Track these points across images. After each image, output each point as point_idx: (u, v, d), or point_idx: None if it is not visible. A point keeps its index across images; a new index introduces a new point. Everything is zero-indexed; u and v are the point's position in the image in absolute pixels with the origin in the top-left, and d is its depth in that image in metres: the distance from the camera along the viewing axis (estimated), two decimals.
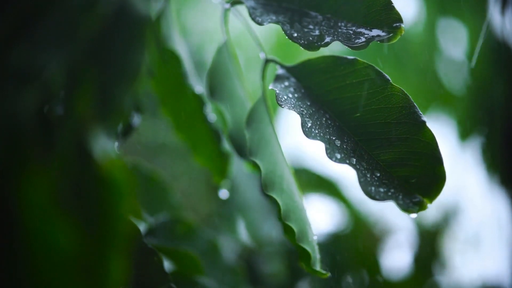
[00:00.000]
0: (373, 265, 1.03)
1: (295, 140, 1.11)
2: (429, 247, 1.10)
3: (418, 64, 1.20)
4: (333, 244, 1.00)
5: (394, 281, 1.05)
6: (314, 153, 1.07)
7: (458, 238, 1.15)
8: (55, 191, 0.28)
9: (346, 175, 1.05)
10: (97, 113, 0.32)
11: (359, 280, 1.02)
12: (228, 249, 0.72)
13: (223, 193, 0.67)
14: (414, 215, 0.44)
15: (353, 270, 1.01)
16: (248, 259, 0.92)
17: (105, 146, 0.31)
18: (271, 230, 0.91)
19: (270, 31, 1.17)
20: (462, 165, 1.20)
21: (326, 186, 1.01)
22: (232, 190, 0.92)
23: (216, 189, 0.98)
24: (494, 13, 1.14)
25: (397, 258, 1.08)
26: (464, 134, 1.20)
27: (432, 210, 1.15)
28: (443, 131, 1.21)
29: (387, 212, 1.14)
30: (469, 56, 1.20)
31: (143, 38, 0.34)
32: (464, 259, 1.15)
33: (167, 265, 0.60)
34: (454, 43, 1.21)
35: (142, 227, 0.63)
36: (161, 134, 1.04)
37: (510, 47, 1.13)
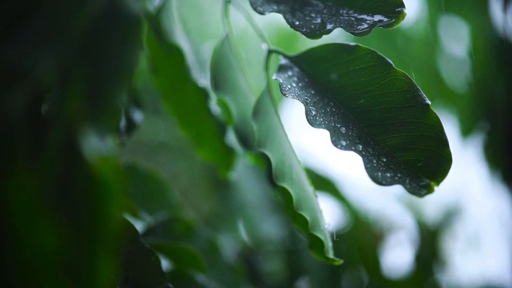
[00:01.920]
0: (374, 264, 1.03)
1: (296, 139, 1.11)
2: (430, 245, 1.09)
3: (420, 62, 1.20)
4: (333, 243, 0.99)
5: (394, 280, 1.04)
6: (314, 152, 1.07)
7: (459, 236, 1.14)
8: (43, 192, 0.27)
9: (345, 174, 1.05)
10: (88, 112, 0.31)
11: (359, 278, 1.02)
12: (227, 248, 0.72)
13: (232, 176, 0.66)
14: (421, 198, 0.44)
15: (354, 269, 1.00)
16: (248, 258, 0.91)
17: (96, 145, 0.31)
18: (271, 229, 0.91)
19: (270, 30, 1.17)
20: (464, 162, 1.19)
21: (326, 185, 1.01)
22: (232, 188, 0.92)
23: (216, 186, 0.98)
24: (495, 10, 1.14)
25: (398, 256, 1.08)
26: (466, 131, 1.19)
27: (433, 208, 1.15)
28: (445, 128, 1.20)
29: (388, 211, 1.14)
30: (471, 53, 1.19)
31: (135, 37, 0.33)
32: (465, 257, 1.15)
33: (166, 263, 0.60)
34: (456, 40, 1.21)
35: (140, 226, 0.62)
36: (161, 132, 1.04)
37: (511, 44, 1.12)
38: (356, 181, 1.07)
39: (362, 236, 1.02)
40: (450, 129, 1.20)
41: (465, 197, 1.16)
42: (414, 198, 1.15)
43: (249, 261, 0.91)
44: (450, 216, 1.13)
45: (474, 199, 1.17)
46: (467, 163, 1.19)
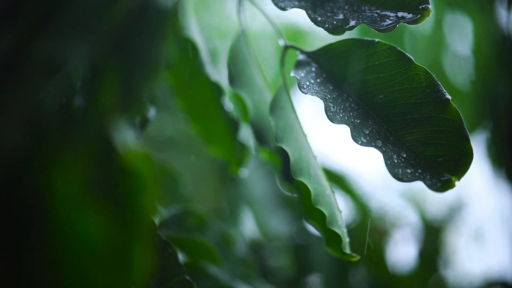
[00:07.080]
0: (379, 259, 1.03)
1: None
2: (434, 241, 1.10)
3: (425, 59, 1.20)
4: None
5: (399, 275, 1.05)
6: (321, 147, 1.07)
7: (463, 233, 1.15)
8: (84, 181, 0.28)
9: (353, 169, 1.05)
10: (119, 104, 0.32)
11: (366, 274, 1.02)
12: (240, 241, 0.72)
13: (243, 173, 0.66)
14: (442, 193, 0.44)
15: (360, 265, 1.01)
16: (256, 253, 0.92)
17: (127, 136, 0.31)
18: (279, 225, 0.91)
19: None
20: None
21: (333, 180, 1.01)
22: (240, 184, 0.92)
23: (223, 182, 0.98)
24: (500, 8, 1.15)
25: (403, 252, 1.09)
26: (469, 128, 1.20)
27: (437, 205, 1.15)
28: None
29: (393, 207, 1.14)
30: (475, 51, 1.20)
31: (164, 31, 0.34)
32: (468, 253, 1.15)
33: (180, 256, 0.61)
34: (460, 38, 1.21)
35: (155, 219, 0.63)
36: (168, 128, 1.04)
37: None
38: (360, 178, 1.07)
39: (368, 231, 1.03)
40: None
41: (469, 194, 1.17)
42: (418, 195, 1.16)
43: (257, 256, 0.91)
44: (453, 212, 1.14)
45: (477, 196, 1.18)
46: None
